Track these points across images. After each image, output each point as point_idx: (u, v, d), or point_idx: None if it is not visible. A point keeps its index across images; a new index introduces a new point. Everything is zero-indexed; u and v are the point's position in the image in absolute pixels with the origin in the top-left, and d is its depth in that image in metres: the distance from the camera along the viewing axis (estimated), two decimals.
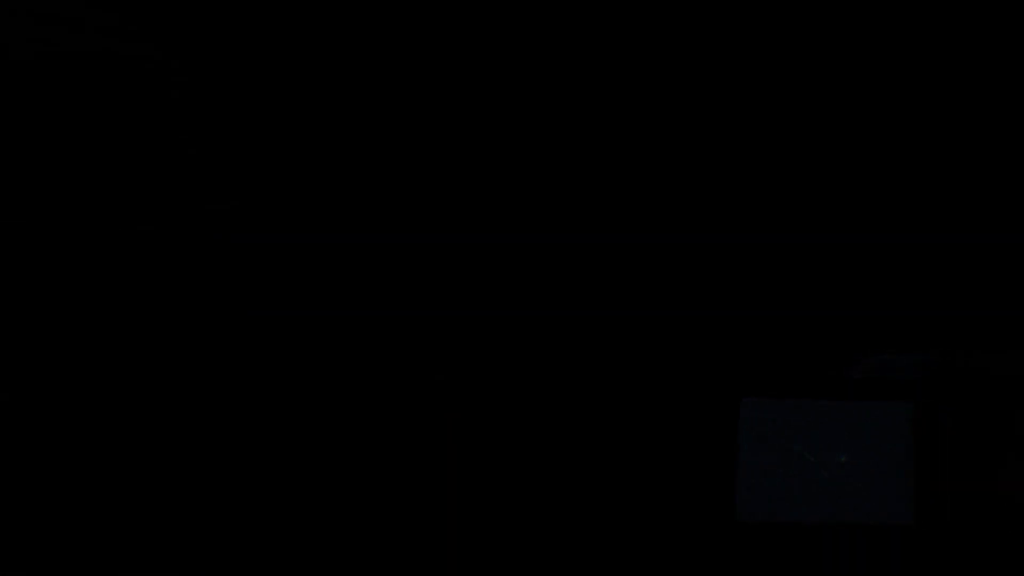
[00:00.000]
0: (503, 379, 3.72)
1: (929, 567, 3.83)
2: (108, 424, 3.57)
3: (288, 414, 3.64)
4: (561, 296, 3.80)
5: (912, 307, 3.89)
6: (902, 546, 3.88)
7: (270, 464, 3.64)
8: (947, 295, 3.86)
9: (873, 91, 3.74)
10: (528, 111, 3.75)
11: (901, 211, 3.86)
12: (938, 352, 3.86)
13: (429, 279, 3.74)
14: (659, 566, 3.78)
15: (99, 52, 3.43)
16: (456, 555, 3.66)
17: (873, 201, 3.87)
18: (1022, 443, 3.82)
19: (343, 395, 3.67)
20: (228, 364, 3.62)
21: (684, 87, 3.76)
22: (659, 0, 3.33)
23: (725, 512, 3.88)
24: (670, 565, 3.79)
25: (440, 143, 3.73)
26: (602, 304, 3.81)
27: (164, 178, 3.57)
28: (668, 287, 3.84)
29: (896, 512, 3.90)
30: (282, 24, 3.56)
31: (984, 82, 3.69)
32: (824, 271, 3.88)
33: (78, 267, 3.52)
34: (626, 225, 3.82)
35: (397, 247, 3.71)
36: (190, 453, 3.59)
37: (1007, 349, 3.84)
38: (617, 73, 3.65)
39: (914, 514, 3.88)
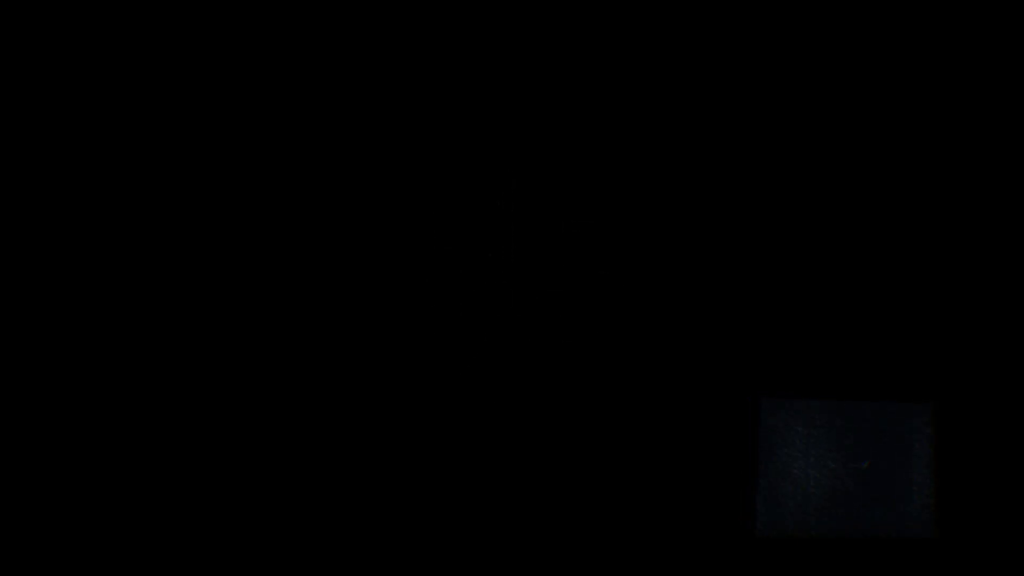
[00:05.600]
0: (508, 376, 3.70)
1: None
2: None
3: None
4: (569, 294, 3.77)
5: (931, 308, 3.79)
6: (926, 562, 3.73)
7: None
8: (966, 296, 3.77)
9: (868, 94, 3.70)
10: (525, 114, 3.76)
11: (917, 217, 3.79)
12: (958, 355, 3.75)
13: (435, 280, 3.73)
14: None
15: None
16: (462, 557, 3.60)
17: (894, 204, 3.81)
18: None
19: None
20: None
21: (689, 93, 3.74)
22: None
23: (745, 522, 3.76)
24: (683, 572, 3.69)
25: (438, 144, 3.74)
26: (617, 303, 3.77)
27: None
28: (685, 286, 3.79)
29: (918, 525, 3.76)
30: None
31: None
32: (841, 272, 3.81)
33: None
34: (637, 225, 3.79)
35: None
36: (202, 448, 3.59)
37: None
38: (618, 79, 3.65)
39: (936, 527, 3.73)
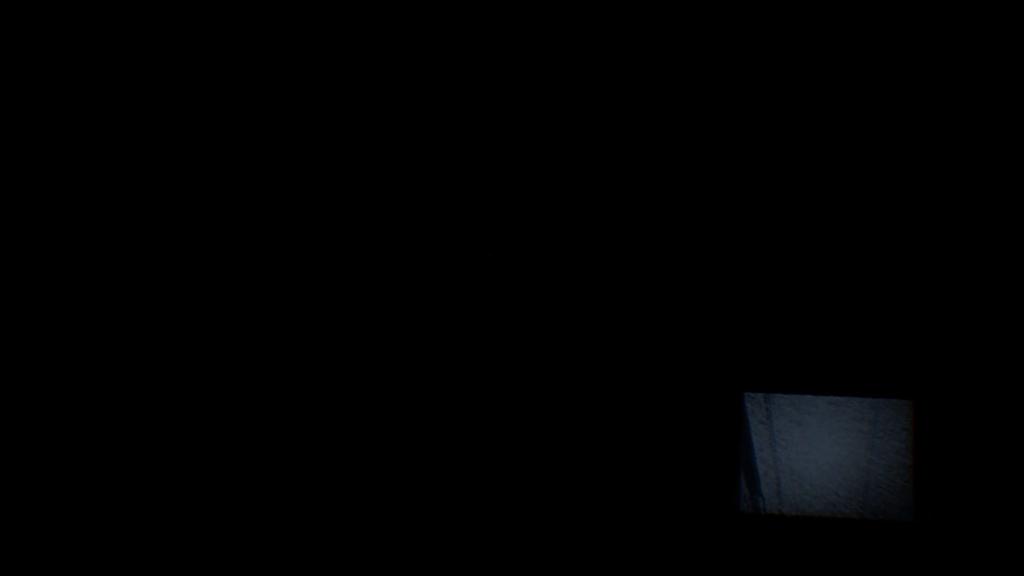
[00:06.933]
0: (507, 373, 3.75)
1: (929, 564, 3.87)
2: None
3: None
4: (563, 292, 3.81)
5: (914, 304, 3.90)
6: (903, 543, 3.92)
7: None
8: (949, 291, 3.87)
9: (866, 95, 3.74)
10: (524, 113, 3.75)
11: (902, 210, 3.87)
12: (938, 349, 3.88)
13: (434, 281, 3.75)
14: (663, 560, 3.80)
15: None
16: (463, 552, 3.67)
17: (879, 200, 3.88)
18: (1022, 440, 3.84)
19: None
20: None
21: (683, 91, 3.75)
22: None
23: (729, 506, 3.89)
24: (674, 559, 3.81)
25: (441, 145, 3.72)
26: (614, 302, 3.82)
27: None
28: (672, 282, 3.85)
29: (896, 509, 3.94)
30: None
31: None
32: (826, 270, 3.89)
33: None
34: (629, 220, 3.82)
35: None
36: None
37: (1007, 348, 3.85)
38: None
39: (914, 511, 3.91)
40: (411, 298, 3.70)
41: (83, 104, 3.55)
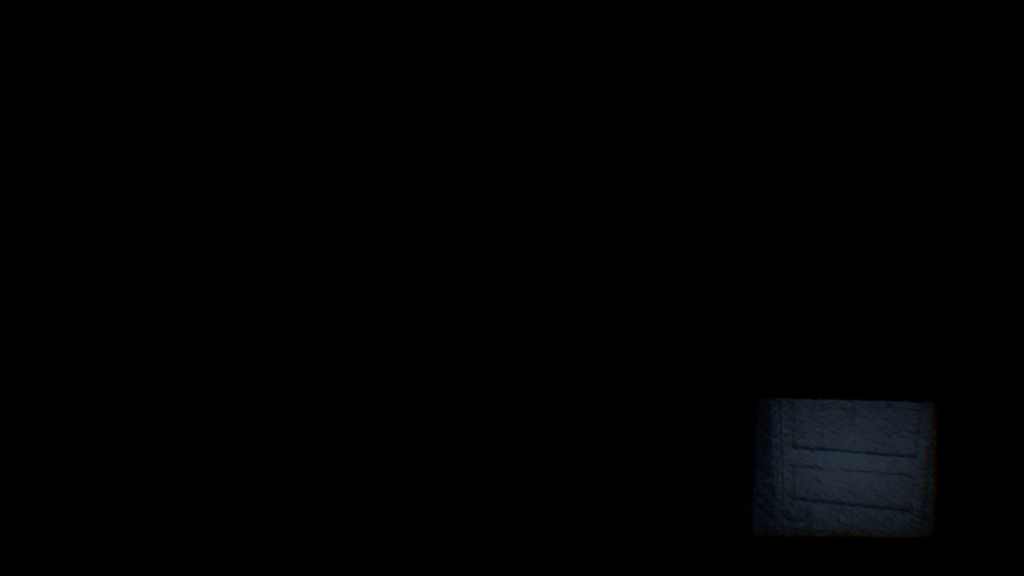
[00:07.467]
0: (507, 375, 3.70)
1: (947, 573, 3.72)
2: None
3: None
4: (572, 297, 3.77)
5: (933, 305, 3.82)
6: (921, 551, 3.77)
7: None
8: (968, 294, 3.80)
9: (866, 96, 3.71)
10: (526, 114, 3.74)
11: (912, 213, 3.82)
12: (959, 353, 3.78)
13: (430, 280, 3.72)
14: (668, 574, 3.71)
15: None
16: (458, 556, 3.62)
17: (888, 202, 3.83)
18: None
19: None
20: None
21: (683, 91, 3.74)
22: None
23: (740, 520, 3.79)
24: (680, 573, 3.71)
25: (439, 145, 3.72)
26: (615, 303, 3.77)
27: None
28: (683, 286, 3.80)
29: (916, 522, 3.81)
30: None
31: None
32: (842, 270, 3.83)
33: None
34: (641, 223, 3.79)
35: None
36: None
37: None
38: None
39: (934, 524, 3.78)
40: (410, 298, 3.67)
41: (82, 104, 3.58)
